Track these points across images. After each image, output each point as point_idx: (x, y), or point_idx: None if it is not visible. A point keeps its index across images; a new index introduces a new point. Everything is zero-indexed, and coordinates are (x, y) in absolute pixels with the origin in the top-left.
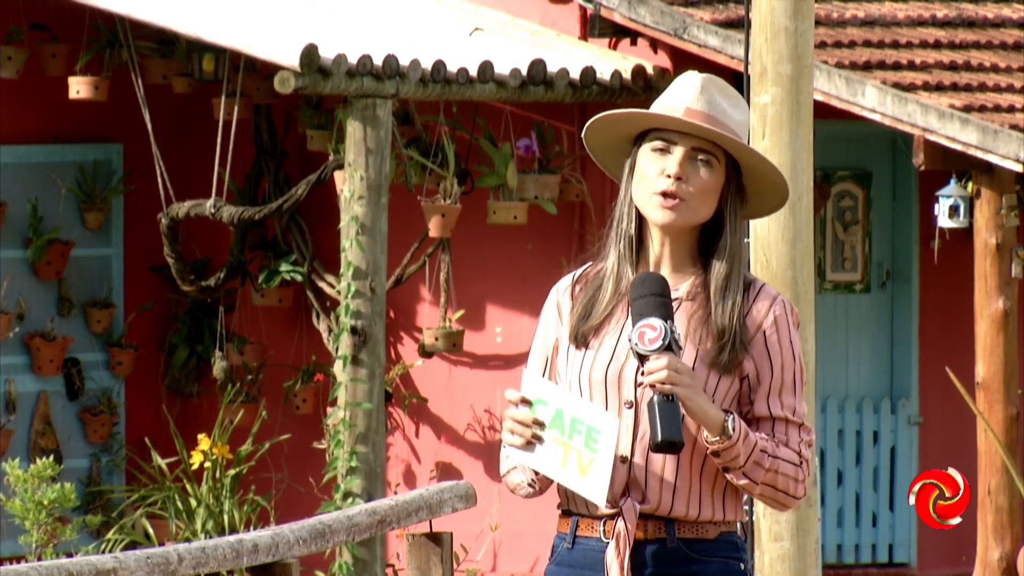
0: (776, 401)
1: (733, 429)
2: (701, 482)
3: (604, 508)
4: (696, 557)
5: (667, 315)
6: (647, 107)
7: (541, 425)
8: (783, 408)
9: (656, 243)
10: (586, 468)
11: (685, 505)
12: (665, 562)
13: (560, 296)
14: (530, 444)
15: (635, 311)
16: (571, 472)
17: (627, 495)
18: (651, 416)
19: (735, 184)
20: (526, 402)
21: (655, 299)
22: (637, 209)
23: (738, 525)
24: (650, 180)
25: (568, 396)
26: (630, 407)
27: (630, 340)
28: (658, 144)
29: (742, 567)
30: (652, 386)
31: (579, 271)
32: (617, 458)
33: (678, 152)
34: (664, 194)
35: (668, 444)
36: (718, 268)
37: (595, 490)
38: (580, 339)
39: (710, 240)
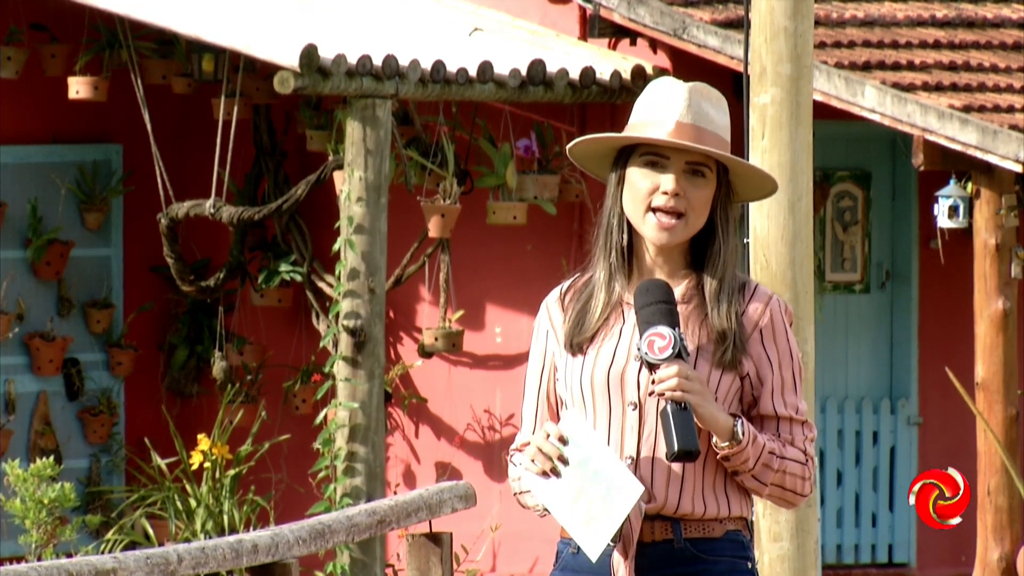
0: (780, 400)
1: (743, 434)
2: (704, 476)
3: (593, 559)
4: (704, 557)
5: (674, 322)
6: None
7: (565, 462)
8: (787, 407)
9: (650, 253)
10: (592, 520)
11: (691, 501)
12: (673, 563)
13: (551, 308)
14: (546, 474)
15: (642, 319)
16: (576, 517)
17: None
18: (665, 426)
19: (725, 187)
20: (562, 440)
21: (661, 307)
22: (627, 220)
23: (743, 523)
24: (644, 195)
25: (602, 448)
26: (634, 408)
27: (639, 349)
28: (650, 158)
29: (749, 566)
30: (662, 394)
31: (567, 283)
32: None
33: (673, 168)
34: (662, 210)
35: (685, 453)
36: (712, 272)
37: (593, 543)
38: (575, 347)
39: (702, 243)
